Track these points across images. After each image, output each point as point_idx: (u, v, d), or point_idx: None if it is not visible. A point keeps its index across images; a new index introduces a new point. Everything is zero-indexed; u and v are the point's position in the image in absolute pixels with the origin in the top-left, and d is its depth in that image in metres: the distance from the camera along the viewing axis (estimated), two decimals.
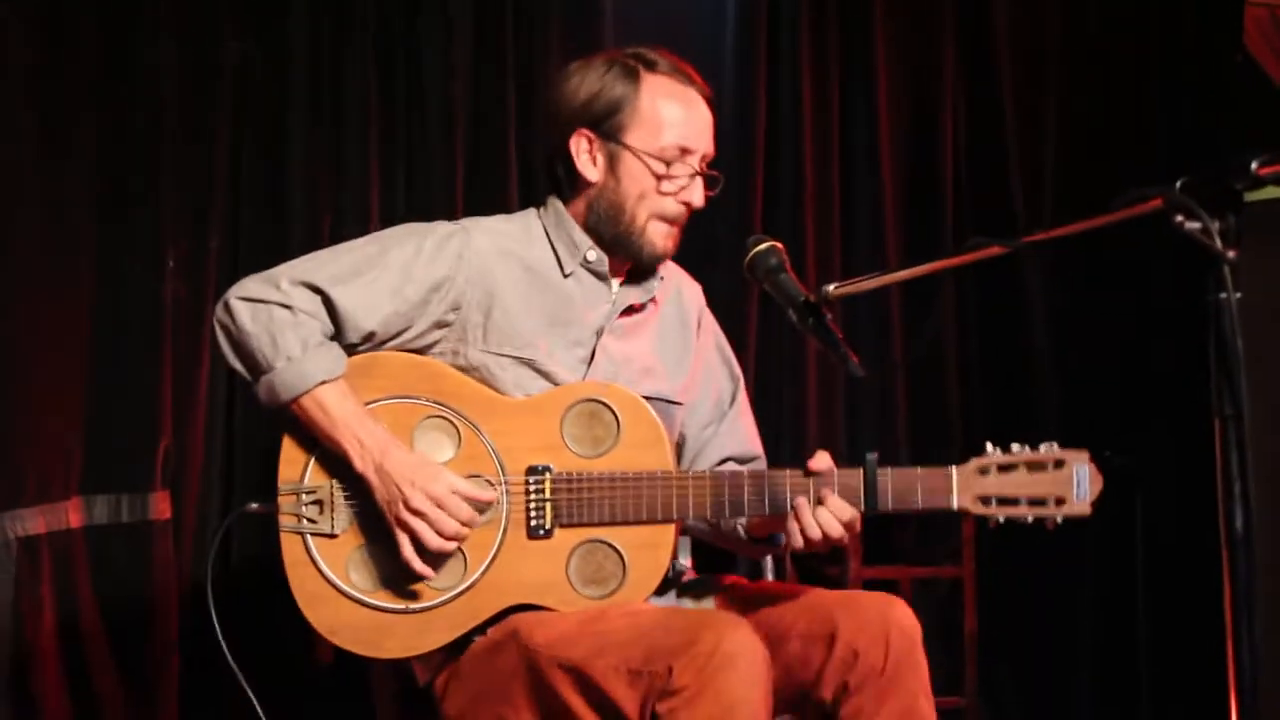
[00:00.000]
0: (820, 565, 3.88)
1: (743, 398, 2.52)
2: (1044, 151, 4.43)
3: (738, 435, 2.48)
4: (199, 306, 3.34)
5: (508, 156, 3.72)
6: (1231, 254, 1.39)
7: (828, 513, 2.09)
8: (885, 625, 2.12)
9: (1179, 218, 1.42)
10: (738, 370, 2.53)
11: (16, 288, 3.18)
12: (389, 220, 3.56)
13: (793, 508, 2.11)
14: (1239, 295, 1.42)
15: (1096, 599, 4.36)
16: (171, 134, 3.35)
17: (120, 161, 3.31)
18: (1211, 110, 4.40)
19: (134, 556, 3.27)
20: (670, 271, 2.48)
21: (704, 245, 3.76)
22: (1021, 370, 4.40)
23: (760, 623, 2.17)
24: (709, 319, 2.53)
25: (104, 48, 3.29)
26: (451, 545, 2.15)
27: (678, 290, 2.49)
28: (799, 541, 2.13)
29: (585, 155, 2.31)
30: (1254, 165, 1.39)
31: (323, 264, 2.25)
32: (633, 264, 2.37)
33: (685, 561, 2.47)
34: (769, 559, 2.85)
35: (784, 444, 4.12)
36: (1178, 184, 1.44)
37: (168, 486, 3.30)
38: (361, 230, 3.43)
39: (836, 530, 2.10)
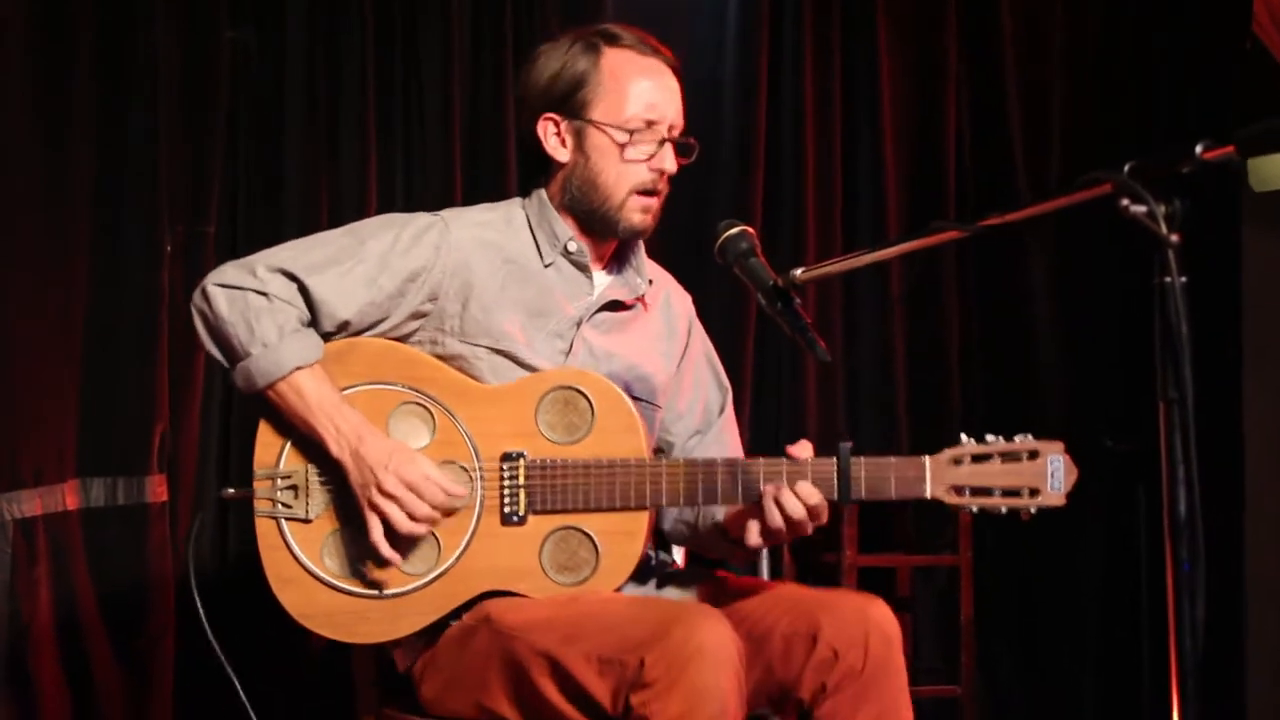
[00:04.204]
0: (817, 553, 3.88)
1: (730, 409, 2.51)
2: (1049, 142, 4.41)
3: (723, 445, 2.47)
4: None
5: (506, 142, 3.72)
6: (1175, 238, 1.39)
7: (793, 497, 2.09)
8: (864, 626, 2.10)
9: (1125, 201, 1.42)
10: (726, 382, 2.52)
11: (13, 271, 3.21)
12: (387, 206, 3.58)
13: (761, 494, 2.11)
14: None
15: (1097, 586, 4.35)
16: (169, 120, 3.37)
17: (117, 148, 3.33)
18: (1220, 99, 4.37)
19: (130, 539, 3.30)
20: (660, 277, 2.48)
21: (704, 239, 3.77)
22: (1024, 359, 4.39)
23: (744, 619, 2.17)
24: (699, 329, 2.52)
25: (102, 35, 3.31)
26: (422, 529, 2.15)
27: (667, 296, 2.48)
28: (776, 520, 2.11)
29: (554, 138, 2.31)
30: (1198, 149, 1.39)
31: (300, 252, 2.25)
32: (614, 245, 2.37)
33: (674, 557, 2.48)
34: (765, 551, 2.84)
35: (783, 436, 4.11)
36: (1125, 168, 1.44)
37: (164, 469, 3.33)
38: (359, 215, 3.47)
39: (799, 512, 2.09)
